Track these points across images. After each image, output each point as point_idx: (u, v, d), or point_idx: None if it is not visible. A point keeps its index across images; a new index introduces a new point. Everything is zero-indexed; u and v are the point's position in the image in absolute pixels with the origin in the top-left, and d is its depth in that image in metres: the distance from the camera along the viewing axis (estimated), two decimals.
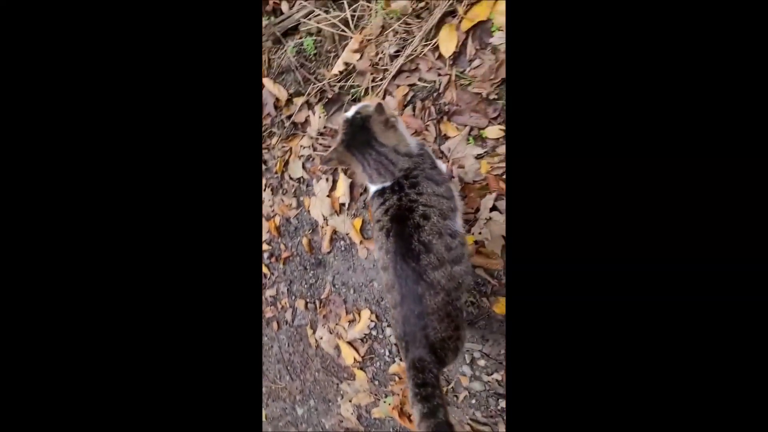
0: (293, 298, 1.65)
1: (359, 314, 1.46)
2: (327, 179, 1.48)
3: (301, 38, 1.39)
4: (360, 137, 0.93)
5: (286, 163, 1.59)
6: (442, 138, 1.27)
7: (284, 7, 1.40)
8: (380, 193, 0.94)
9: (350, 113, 0.96)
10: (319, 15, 1.32)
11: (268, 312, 1.73)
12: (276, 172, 1.62)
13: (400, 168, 0.92)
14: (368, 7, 1.27)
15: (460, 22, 1.19)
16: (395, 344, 1.41)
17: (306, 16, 1.35)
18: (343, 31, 1.31)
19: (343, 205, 1.47)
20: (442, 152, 1.28)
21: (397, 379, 1.40)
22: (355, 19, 1.30)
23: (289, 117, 1.52)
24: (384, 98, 1.34)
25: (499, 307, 1.21)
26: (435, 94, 1.27)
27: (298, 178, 1.58)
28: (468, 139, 1.23)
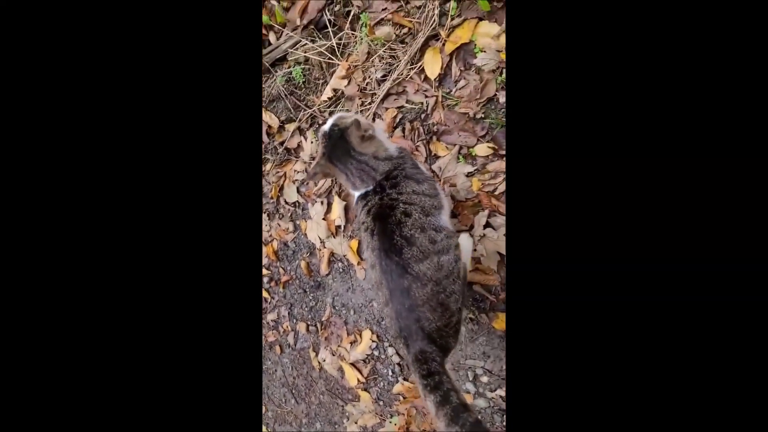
0: (294, 321, 1.66)
1: (360, 335, 1.47)
2: (322, 202, 1.50)
3: (289, 67, 1.42)
4: (339, 148, 0.96)
5: (281, 188, 1.61)
6: (433, 158, 1.29)
7: (272, 38, 1.43)
8: (363, 196, 0.96)
9: (327, 126, 0.98)
10: (306, 45, 1.36)
11: (270, 336, 1.73)
12: (271, 198, 1.64)
13: (380, 172, 0.95)
14: (353, 35, 1.30)
15: (443, 45, 1.22)
16: (398, 364, 1.41)
17: (293, 46, 1.38)
18: (330, 59, 1.34)
19: (339, 227, 1.48)
20: (433, 171, 1.29)
21: (401, 398, 1.40)
22: (341, 47, 1.33)
23: (281, 143, 1.55)
24: (374, 121, 1.37)
25: (499, 322, 1.22)
26: (423, 115, 1.30)
27: (294, 203, 1.59)
28: (458, 158, 1.25)
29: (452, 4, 1.16)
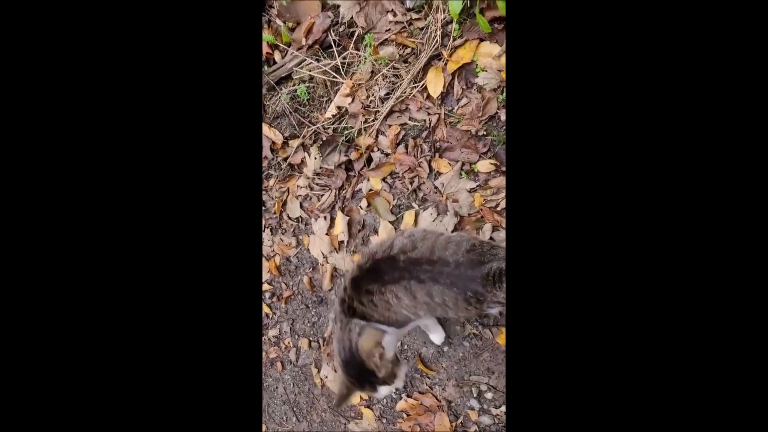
0: (296, 337, 1.65)
1: None
2: (325, 218, 1.51)
3: (294, 85, 1.45)
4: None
5: (284, 203, 1.62)
6: (436, 174, 1.31)
7: (277, 57, 1.46)
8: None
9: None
10: (310, 64, 1.39)
11: (272, 352, 1.72)
12: (274, 213, 1.65)
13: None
14: (357, 54, 1.33)
15: (445, 64, 1.25)
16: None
17: (298, 65, 1.41)
18: (334, 77, 1.37)
19: (341, 242, 1.49)
20: (436, 188, 1.31)
21: (405, 416, 1.39)
22: (345, 66, 1.36)
23: (285, 159, 1.57)
24: (377, 138, 1.39)
25: (503, 338, 1.22)
26: (426, 133, 1.32)
27: (297, 218, 1.60)
28: (460, 174, 1.27)
29: (454, 26, 1.19)
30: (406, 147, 1.35)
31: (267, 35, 1.44)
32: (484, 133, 1.23)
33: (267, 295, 1.72)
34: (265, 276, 1.71)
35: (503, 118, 1.21)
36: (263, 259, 1.70)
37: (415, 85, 1.29)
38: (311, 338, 1.61)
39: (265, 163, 1.64)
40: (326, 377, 1.55)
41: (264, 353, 1.73)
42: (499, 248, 0.93)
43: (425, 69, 1.28)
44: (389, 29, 1.28)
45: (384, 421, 1.43)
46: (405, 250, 0.93)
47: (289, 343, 1.67)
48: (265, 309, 1.73)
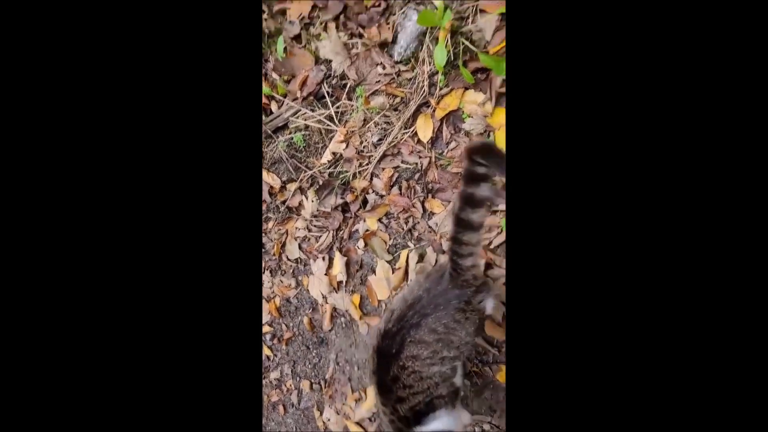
0: (298, 379, 1.64)
1: (365, 392, 1.45)
2: (323, 258, 1.54)
3: (290, 134, 1.52)
4: None
5: (283, 245, 1.66)
6: (429, 214, 1.36)
7: (274, 107, 1.54)
8: None
9: None
10: (305, 113, 1.46)
11: (273, 395, 1.70)
12: (274, 255, 1.68)
13: None
14: (350, 104, 1.41)
15: (434, 111, 1.32)
16: None
17: (294, 114, 1.49)
18: (328, 125, 1.44)
19: (340, 282, 1.51)
20: (430, 227, 1.35)
21: None
22: (339, 114, 1.43)
23: (283, 202, 1.61)
24: (371, 180, 1.44)
25: (503, 375, 1.22)
26: (418, 175, 1.38)
27: (296, 259, 1.63)
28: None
29: (440, 77, 1.27)
30: (400, 189, 1.40)
31: (264, 88, 1.52)
32: None
33: (267, 336, 1.73)
34: (266, 317, 1.72)
35: None
36: (263, 300, 1.72)
37: (406, 130, 1.36)
38: (312, 380, 1.60)
39: (264, 207, 1.68)
40: (329, 420, 1.53)
41: (265, 396, 1.72)
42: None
43: (415, 116, 1.35)
44: (379, 80, 1.36)
45: None
46: (390, 320, 1.00)
47: (290, 385, 1.66)
48: (266, 351, 1.73)
